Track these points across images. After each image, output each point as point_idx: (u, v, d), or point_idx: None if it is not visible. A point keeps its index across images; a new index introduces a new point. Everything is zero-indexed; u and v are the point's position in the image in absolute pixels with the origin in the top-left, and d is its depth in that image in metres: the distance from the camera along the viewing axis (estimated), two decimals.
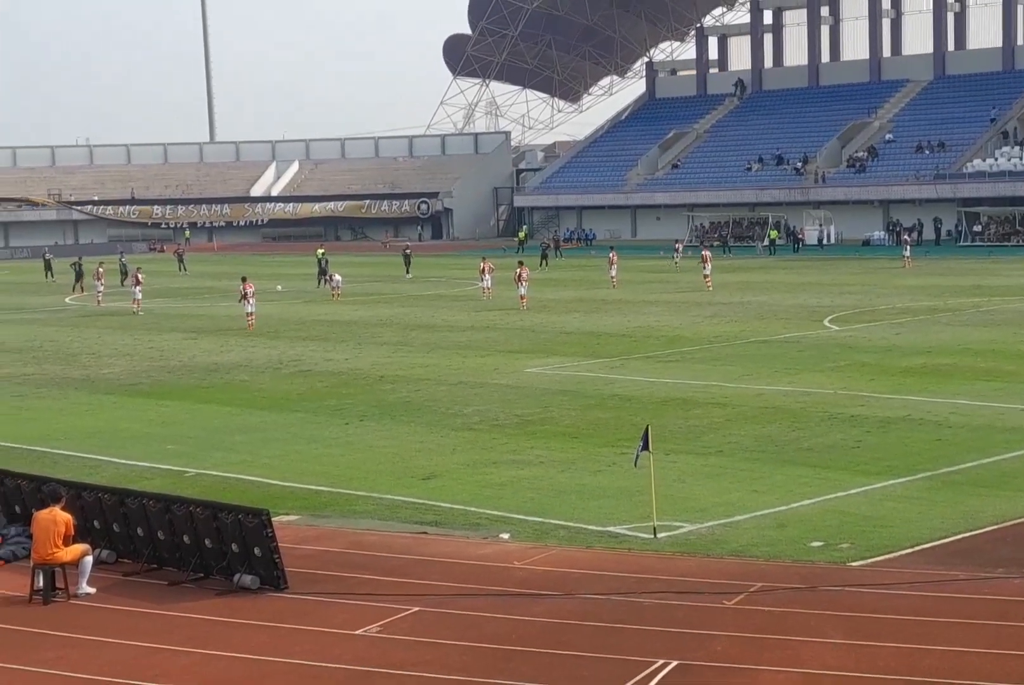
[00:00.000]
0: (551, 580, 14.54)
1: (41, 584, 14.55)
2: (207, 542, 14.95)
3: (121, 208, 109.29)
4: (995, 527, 16.20)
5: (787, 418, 23.29)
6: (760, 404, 24.77)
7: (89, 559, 14.78)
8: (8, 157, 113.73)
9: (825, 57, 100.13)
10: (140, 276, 49.09)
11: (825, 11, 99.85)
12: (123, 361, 34.08)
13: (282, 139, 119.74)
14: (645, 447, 16.16)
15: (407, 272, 63.08)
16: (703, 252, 53.49)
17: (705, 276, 51.20)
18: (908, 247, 61.52)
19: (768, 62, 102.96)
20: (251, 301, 41.35)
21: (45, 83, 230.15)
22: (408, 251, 65.24)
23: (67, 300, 54.49)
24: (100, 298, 52.05)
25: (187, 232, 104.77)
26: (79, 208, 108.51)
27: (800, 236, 78.78)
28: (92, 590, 14.69)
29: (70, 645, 13.13)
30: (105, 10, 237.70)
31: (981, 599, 13.40)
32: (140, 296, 48.68)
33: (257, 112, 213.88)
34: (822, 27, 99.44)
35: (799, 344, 33.70)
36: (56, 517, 14.65)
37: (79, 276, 58.67)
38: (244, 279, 42.28)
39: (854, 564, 14.91)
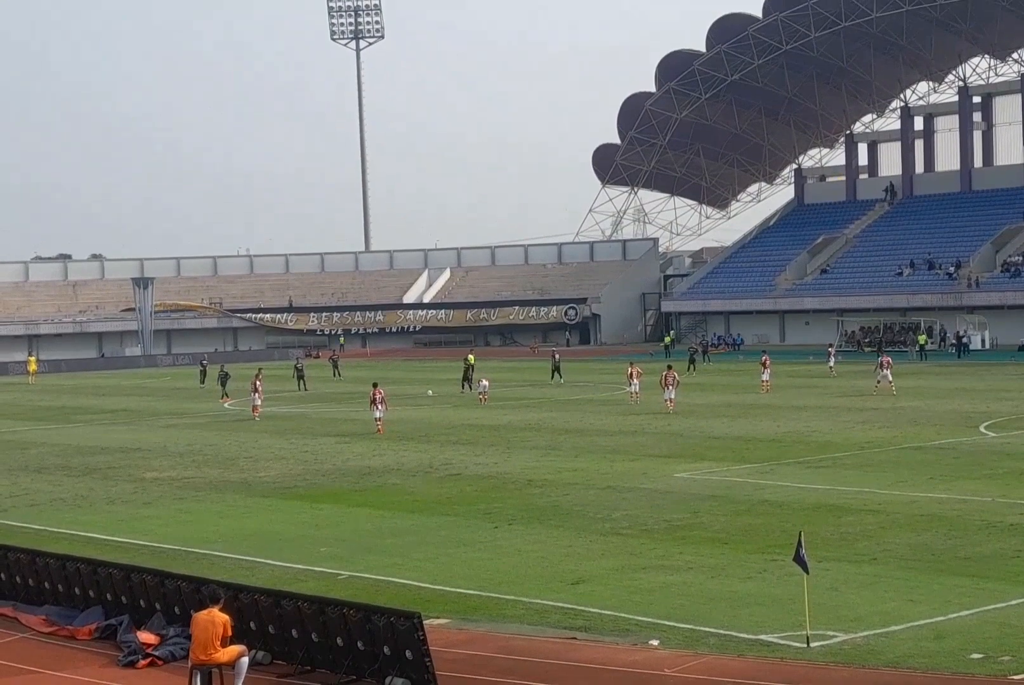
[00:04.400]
0: None
1: (199, 684, 14.78)
2: (360, 644, 15.10)
3: (279, 315, 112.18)
4: None
5: (943, 526, 22.80)
6: (915, 511, 24.30)
7: (245, 660, 14.96)
8: (173, 267, 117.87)
9: (978, 162, 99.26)
10: (259, 383, 48.97)
11: (977, 117, 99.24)
12: (279, 464, 34.77)
13: (434, 247, 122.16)
14: (800, 554, 15.97)
15: (551, 377, 62.54)
16: (882, 358, 52.24)
17: (887, 381, 49.89)
18: None
19: (919, 167, 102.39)
20: (379, 407, 41.93)
21: (209, 197, 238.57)
22: (557, 357, 65.44)
23: (226, 406, 55.82)
24: (259, 404, 49.52)
25: (342, 338, 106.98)
26: (239, 315, 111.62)
27: (965, 341, 77.52)
28: None
29: None
30: (261, 124, 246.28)
31: None
32: (259, 403, 48.90)
33: (410, 221, 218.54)
34: (974, 132, 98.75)
35: (954, 450, 33.02)
36: (215, 618, 14.87)
37: (224, 382, 59.72)
38: (375, 385, 42.99)
39: (1016, 677, 14.46)
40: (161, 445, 40.54)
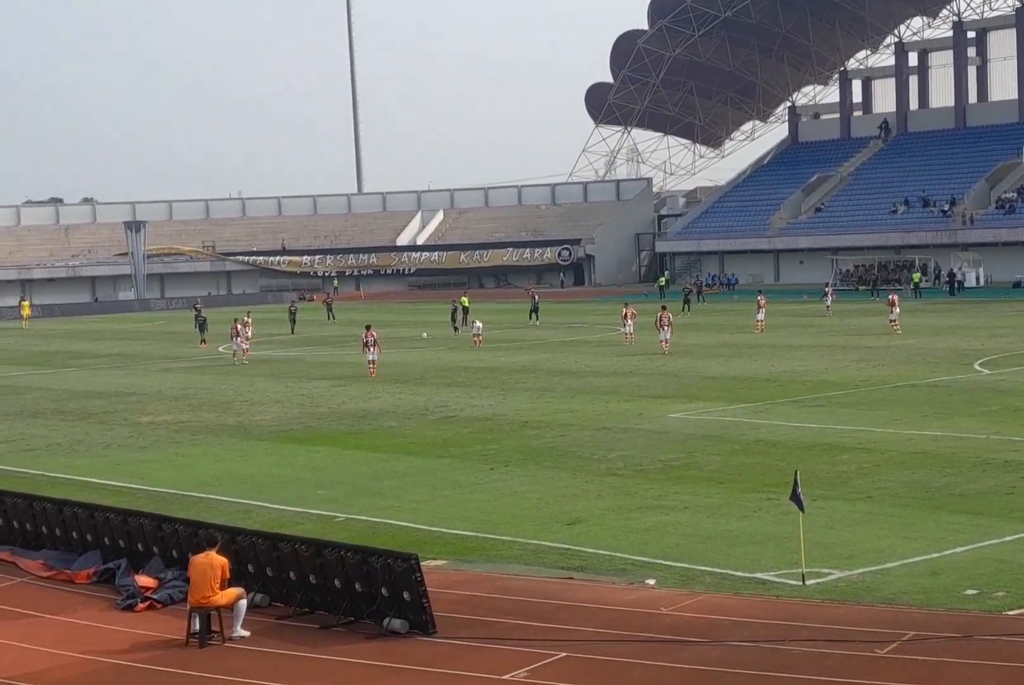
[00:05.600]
0: (698, 627, 14.48)
1: (197, 627, 14.86)
2: (357, 586, 15.17)
3: (272, 258, 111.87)
4: None
5: (938, 463, 22.88)
6: (909, 449, 24.38)
7: (243, 603, 15.06)
8: (164, 210, 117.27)
9: (972, 98, 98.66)
10: (241, 328, 48.60)
11: (972, 52, 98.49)
12: (274, 408, 34.80)
13: (427, 189, 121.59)
14: (796, 492, 16.03)
15: (530, 318, 63.32)
16: (891, 296, 52.60)
17: (892, 321, 50.45)
18: None
19: (913, 104, 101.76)
20: (372, 349, 41.89)
21: (200, 139, 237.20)
22: (536, 297, 65.75)
23: (220, 349, 55.78)
24: (246, 347, 49.84)
25: (335, 281, 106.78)
26: (233, 258, 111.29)
27: (960, 278, 77.43)
28: (246, 633, 14.96)
29: None
30: (255, 67, 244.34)
31: None
32: (247, 346, 48.95)
33: (403, 163, 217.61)
34: (969, 68, 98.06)
35: (949, 388, 33.09)
36: (212, 561, 14.97)
37: (203, 327, 58.86)
38: (368, 327, 42.86)
39: (1010, 613, 14.57)
40: (156, 389, 40.54)
